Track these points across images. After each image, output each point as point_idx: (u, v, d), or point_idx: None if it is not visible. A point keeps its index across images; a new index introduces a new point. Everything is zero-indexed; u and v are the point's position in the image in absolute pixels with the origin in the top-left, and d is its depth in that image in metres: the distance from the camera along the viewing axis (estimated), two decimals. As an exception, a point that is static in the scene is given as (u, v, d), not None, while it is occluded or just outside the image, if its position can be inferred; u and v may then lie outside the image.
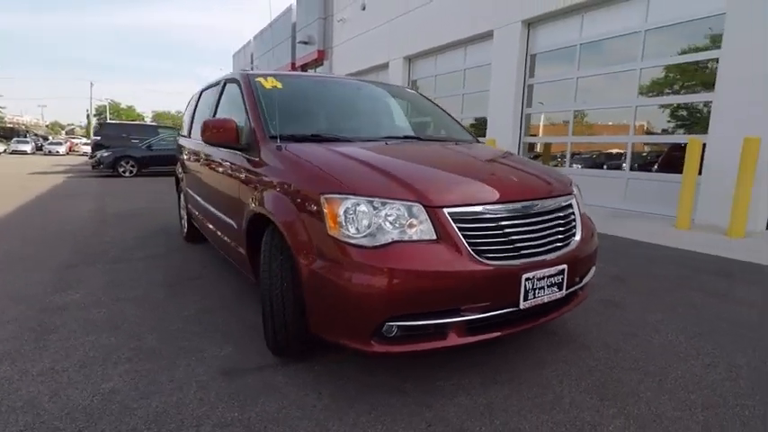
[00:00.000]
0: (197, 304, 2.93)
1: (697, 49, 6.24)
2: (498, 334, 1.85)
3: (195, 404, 1.82)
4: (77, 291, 3.16)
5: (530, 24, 8.63)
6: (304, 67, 18.40)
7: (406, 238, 1.73)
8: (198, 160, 3.57)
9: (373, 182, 1.86)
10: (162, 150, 13.48)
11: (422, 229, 1.75)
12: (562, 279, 1.98)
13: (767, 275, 3.78)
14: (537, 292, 1.89)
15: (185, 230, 4.67)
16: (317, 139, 2.48)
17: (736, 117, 5.48)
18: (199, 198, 3.60)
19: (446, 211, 1.78)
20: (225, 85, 3.36)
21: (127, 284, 3.31)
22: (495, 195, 1.92)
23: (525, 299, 1.85)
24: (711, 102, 5.87)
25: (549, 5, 7.97)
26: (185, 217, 4.67)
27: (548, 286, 1.92)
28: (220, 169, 2.93)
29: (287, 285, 1.96)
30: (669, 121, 6.90)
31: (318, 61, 17.04)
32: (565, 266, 1.98)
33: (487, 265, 1.76)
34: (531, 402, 1.85)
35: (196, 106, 4.23)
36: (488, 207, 1.86)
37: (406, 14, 11.78)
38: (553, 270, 1.93)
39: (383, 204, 1.75)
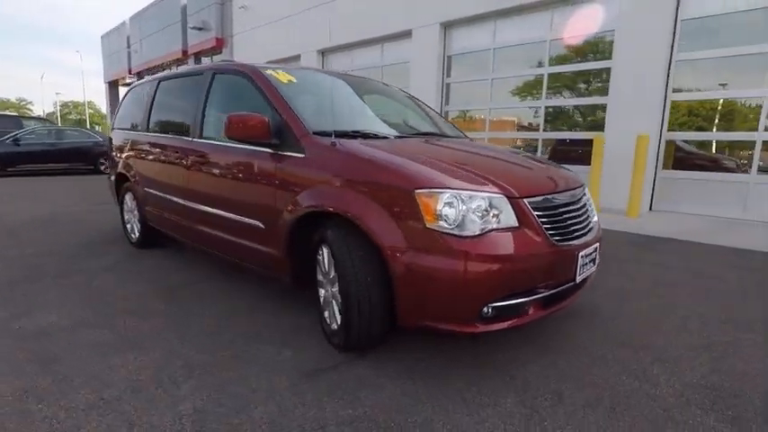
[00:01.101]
0: (217, 312, 2.73)
1: (596, 58, 7.36)
2: (564, 304, 2.14)
3: (300, 408, 1.79)
4: (48, 311, 2.70)
5: (446, 27, 9.23)
6: (198, 55, 17.00)
7: (497, 227, 1.90)
8: (179, 158, 3.25)
9: (459, 177, 1.99)
10: (32, 146, 11.35)
11: (506, 218, 1.94)
12: (595, 255, 2.35)
13: (660, 243, 4.79)
14: (584, 267, 2.21)
15: (135, 236, 4.18)
16: (355, 135, 2.50)
17: (626, 117, 6.63)
18: (180, 199, 3.28)
19: (526, 201, 1.99)
20: (214, 77, 3.11)
21: (108, 299, 2.92)
22: (552, 186, 2.20)
23: (579, 274, 2.16)
24: (606, 104, 7.00)
25: (466, 11, 8.62)
26: (133, 221, 4.18)
27: (589, 262, 2.27)
28: (236, 167, 2.73)
29: (371, 280, 2.00)
30: (569, 120, 8.03)
31: (216, 50, 15.88)
32: (597, 244, 2.35)
33: (558, 246, 2.03)
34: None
35: (153, 99, 3.80)
36: (551, 196, 2.13)
37: (321, 6, 11.64)
38: (592, 248, 2.28)
39: (472, 197, 1.90)
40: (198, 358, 2.17)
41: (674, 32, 6.35)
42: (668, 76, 6.45)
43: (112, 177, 4.57)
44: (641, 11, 6.45)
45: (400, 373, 2.05)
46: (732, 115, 6.39)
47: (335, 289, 2.20)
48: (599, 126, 7.24)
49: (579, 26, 7.37)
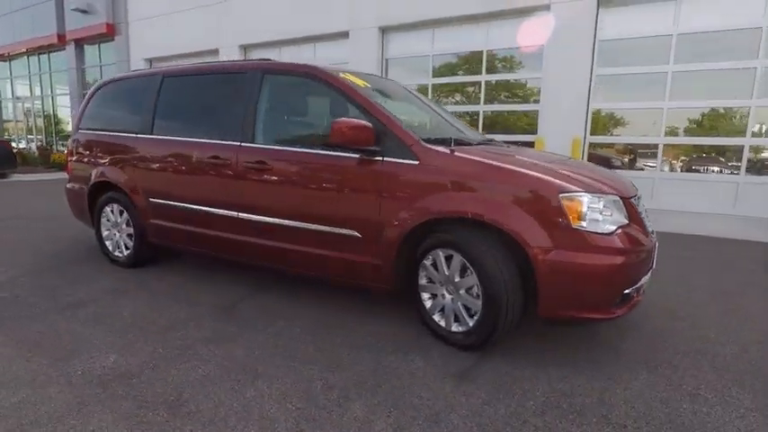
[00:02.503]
0: (306, 328, 2.59)
1: (528, 70, 8.23)
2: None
3: (489, 407, 1.86)
4: (105, 352, 2.31)
5: (384, 31, 9.46)
6: (79, 42, 14.67)
7: (621, 224, 2.18)
8: (221, 165, 2.94)
9: (587, 182, 2.23)
10: None
11: (623, 216, 2.23)
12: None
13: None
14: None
15: (124, 254, 3.65)
16: (447, 141, 2.57)
17: (557, 122, 7.58)
18: (222, 210, 2.98)
19: (632, 200, 2.31)
20: (264, 77, 2.89)
21: (157, 328, 2.56)
22: (633, 187, 2.56)
23: (655, 264, 2.56)
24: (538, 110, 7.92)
25: (404, 17, 8.95)
26: (119, 237, 3.68)
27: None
28: (326, 175, 2.61)
29: (514, 278, 2.15)
30: (505, 124, 8.87)
31: (106, 37, 13.88)
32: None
33: (652, 238, 2.39)
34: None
35: (158, 97, 3.35)
36: (636, 196, 2.48)
37: (243, -2, 10.99)
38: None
39: (603, 199, 2.17)
40: (339, 377, 2.09)
41: (594, 51, 7.44)
42: (589, 88, 7.53)
43: (78, 186, 3.88)
44: (567, 30, 7.42)
45: (536, 362, 2.22)
46: (636, 122, 7.70)
47: (462, 291, 2.30)
48: (531, 130, 8.14)
49: (513, 40, 8.18)
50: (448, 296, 2.39)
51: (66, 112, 16.39)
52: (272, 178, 2.78)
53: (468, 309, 2.32)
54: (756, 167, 6.70)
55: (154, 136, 3.35)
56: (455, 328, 2.37)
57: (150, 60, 13.41)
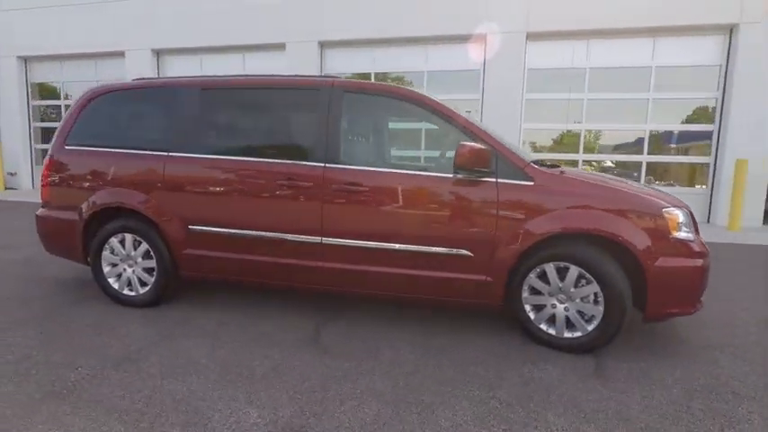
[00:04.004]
0: (416, 354, 2.55)
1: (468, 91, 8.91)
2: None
3: (647, 400, 2.10)
4: (252, 411, 2.01)
5: (323, 46, 9.42)
6: None
7: (694, 232, 2.63)
8: (301, 187, 2.75)
9: (669, 199, 2.64)
10: None
11: (692, 226, 2.68)
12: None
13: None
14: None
15: (145, 290, 3.14)
16: (538, 163, 2.80)
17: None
18: (298, 236, 2.78)
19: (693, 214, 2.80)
20: (343, 95, 2.80)
21: (255, 375, 2.31)
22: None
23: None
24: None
25: (345, 34, 9.05)
26: (132, 273, 3.16)
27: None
28: (439, 196, 2.63)
29: (627, 284, 2.45)
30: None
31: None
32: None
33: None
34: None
35: (197, 112, 2.99)
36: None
37: (156, -2, 9.92)
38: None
39: (686, 213, 2.60)
40: (504, 394, 2.14)
41: (524, 78, 8.42)
42: (521, 110, 8.49)
43: (63, 214, 3.20)
44: (500, 58, 8.29)
45: (645, 357, 2.54)
46: (562, 141, 8.87)
47: (578, 300, 2.53)
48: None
49: (452, 63, 8.83)
50: (560, 305, 2.59)
51: None
52: (369, 200, 2.69)
53: (582, 315, 2.55)
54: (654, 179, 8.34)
55: (197, 155, 2.94)
56: (568, 333, 2.58)
57: (25, 59, 11.28)
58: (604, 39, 8.06)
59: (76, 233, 3.19)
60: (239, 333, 2.77)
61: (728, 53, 7.59)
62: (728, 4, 7.33)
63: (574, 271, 2.52)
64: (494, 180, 2.57)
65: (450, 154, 2.69)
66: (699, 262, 2.49)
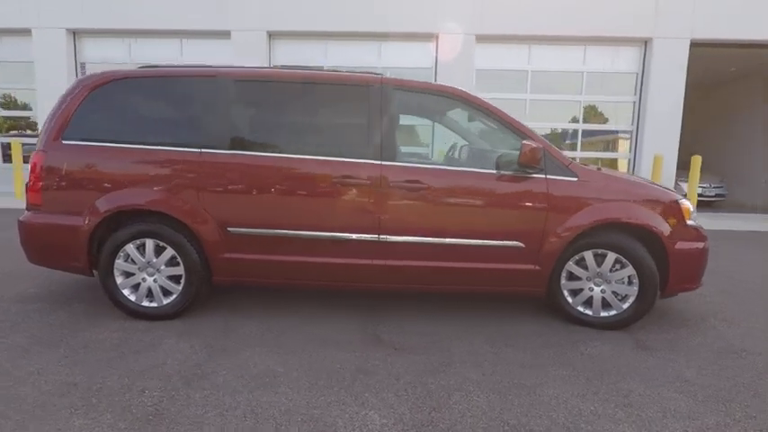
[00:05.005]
0: (479, 345, 2.69)
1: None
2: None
3: (693, 360, 2.48)
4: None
5: (271, 35, 9.03)
6: None
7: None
8: (356, 185, 2.71)
9: (673, 191, 3.06)
10: None
11: None
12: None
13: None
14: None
15: (169, 300, 2.88)
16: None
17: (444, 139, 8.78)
18: (354, 234, 2.75)
19: (686, 204, 3.28)
20: (393, 92, 2.81)
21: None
22: None
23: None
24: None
25: (294, 25, 8.79)
26: (153, 282, 2.86)
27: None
28: (495, 192, 2.77)
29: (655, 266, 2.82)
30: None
31: None
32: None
33: None
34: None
35: (232, 106, 2.79)
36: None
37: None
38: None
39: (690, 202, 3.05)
40: (581, 375, 2.35)
41: (473, 77, 8.89)
42: (471, 108, 8.95)
43: (60, 219, 2.79)
44: (452, 58, 8.66)
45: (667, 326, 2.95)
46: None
47: (613, 282, 2.85)
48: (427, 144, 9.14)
49: (404, 60, 9.02)
50: (596, 288, 2.89)
51: None
52: (427, 197, 2.74)
53: (617, 295, 2.87)
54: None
55: (239, 152, 2.73)
56: (604, 313, 2.89)
57: None
58: (545, 45, 8.82)
59: (80, 240, 2.79)
60: (298, 339, 2.66)
61: (644, 63, 8.76)
62: (644, 20, 8.44)
63: (611, 257, 2.82)
64: (543, 176, 2.78)
65: (497, 151, 2.86)
66: (704, 244, 2.94)
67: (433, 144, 8.31)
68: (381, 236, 2.76)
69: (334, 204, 2.76)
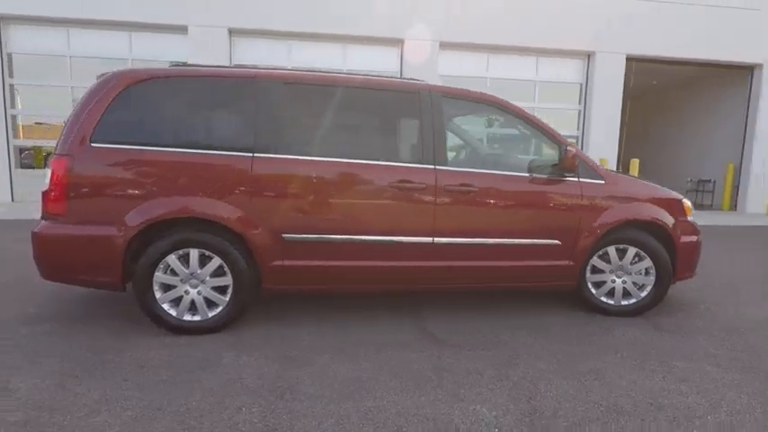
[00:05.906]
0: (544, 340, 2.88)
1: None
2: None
3: (708, 340, 2.86)
4: None
5: (232, 32, 8.67)
6: None
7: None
8: (409, 190, 2.77)
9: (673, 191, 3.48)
10: None
11: None
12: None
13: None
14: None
15: (215, 312, 2.74)
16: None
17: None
18: (411, 238, 2.82)
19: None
20: (441, 99, 2.92)
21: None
22: None
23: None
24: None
25: (257, 23, 8.52)
26: (200, 292, 2.70)
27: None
28: (539, 195, 2.99)
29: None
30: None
31: None
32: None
33: None
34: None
35: (283, 110, 2.73)
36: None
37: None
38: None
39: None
40: (627, 357, 2.62)
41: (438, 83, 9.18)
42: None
43: (88, 230, 2.54)
44: (417, 64, 8.90)
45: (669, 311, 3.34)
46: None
47: (634, 273, 3.18)
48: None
49: (370, 65, 9.10)
50: (618, 279, 3.21)
51: None
52: (477, 200, 2.87)
53: (635, 285, 3.20)
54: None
55: (295, 157, 2.66)
56: (624, 301, 3.22)
57: None
58: (501, 54, 9.38)
59: (114, 252, 2.55)
60: (360, 343, 2.65)
61: (587, 74, 9.64)
62: (587, 35, 9.30)
63: (632, 251, 3.15)
64: (577, 179, 3.04)
65: (533, 156, 3.08)
66: (699, 237, 3.39)
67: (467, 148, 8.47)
68: (436, 238, 2.85)
69: (390, 209, 2.79)
